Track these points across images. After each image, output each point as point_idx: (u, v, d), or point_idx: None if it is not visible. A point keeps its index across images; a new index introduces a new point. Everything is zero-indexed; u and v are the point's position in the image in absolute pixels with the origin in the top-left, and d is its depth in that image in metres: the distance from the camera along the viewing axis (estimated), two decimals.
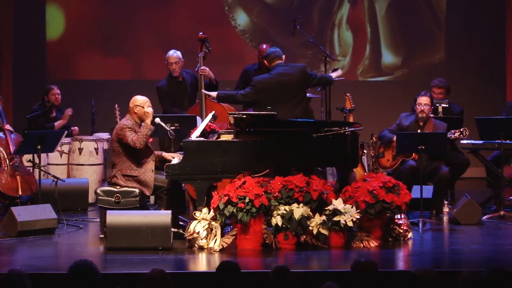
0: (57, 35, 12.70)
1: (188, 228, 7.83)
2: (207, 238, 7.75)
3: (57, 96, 10.79)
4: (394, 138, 9.27)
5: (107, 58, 12.76)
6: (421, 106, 9.34)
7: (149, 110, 8.35)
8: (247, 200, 7.71)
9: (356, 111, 9.93)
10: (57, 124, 10.70)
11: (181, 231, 7.95)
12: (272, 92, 8.88)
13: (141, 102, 8.44)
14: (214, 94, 9.26)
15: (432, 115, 9.61)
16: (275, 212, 7.79)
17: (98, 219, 8.68)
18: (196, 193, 8.10)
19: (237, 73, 10.90)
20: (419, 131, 9.23)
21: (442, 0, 12.93)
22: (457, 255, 7.78)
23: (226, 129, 8.88)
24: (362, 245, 7.89)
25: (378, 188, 7.96)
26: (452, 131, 9.07)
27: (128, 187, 8.28)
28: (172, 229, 7.75)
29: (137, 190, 8.26)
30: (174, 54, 10.15)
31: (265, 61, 9.19)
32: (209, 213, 7.84)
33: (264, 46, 10.72)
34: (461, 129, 9.11)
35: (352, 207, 7.85)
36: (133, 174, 8.32)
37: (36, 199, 8.99)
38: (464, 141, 9.56)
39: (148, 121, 8.31)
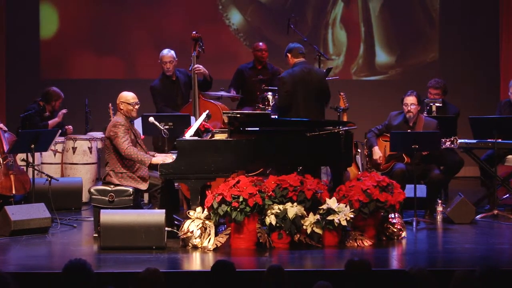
0: (50, 34, 12.68)
1: (182, 227, 7.82)
2: (201, 237, 7.74)
3: (59, 104, 10.81)
4: (374, 148, 9.26)
5: (100, 57, 12.74)
6: (407, 106, 9.26)
7: (157, 160, 8.18)
8: (241, 199, 7.70)
9: (350, 110, 9.93)
10: (51, 122, 10.67)
11: (175, 230, 7.95)
12: (294, 87, 8.85)
13: (125, 98, 8.41)
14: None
15: (425, 114, 9.61)
16: (269, 211, 7.79)
17: (92, 218, 8.66)
18: (190, 192, 8.10)
19: (231, 72, 10.91)
20: (409, 131, 9.21)
21: None
22: (451, 254, 7.78)
23: (220, 128, 8.88)
24: (356, 244, 7.89)
25: (372, 187, 7.97)
26: (443, 140, 9.01)
27: (122, 185, 8.28)
28: (166, 228, 7.74)
29: (131, 189, 8.25)
30: (169, 53, 10.13)
31: (288, 55, 9.05)
32: (203, 212, 7.84)
33: (261, 44, 10.72)
34: (452, 138, 9.03)
35: (346, 206, 7.85)
36: (127, 171, 8.31)
37: (29, 198, 8.96)
38: (458, 140, 9.55)
39: (148, 163, 8.17)
